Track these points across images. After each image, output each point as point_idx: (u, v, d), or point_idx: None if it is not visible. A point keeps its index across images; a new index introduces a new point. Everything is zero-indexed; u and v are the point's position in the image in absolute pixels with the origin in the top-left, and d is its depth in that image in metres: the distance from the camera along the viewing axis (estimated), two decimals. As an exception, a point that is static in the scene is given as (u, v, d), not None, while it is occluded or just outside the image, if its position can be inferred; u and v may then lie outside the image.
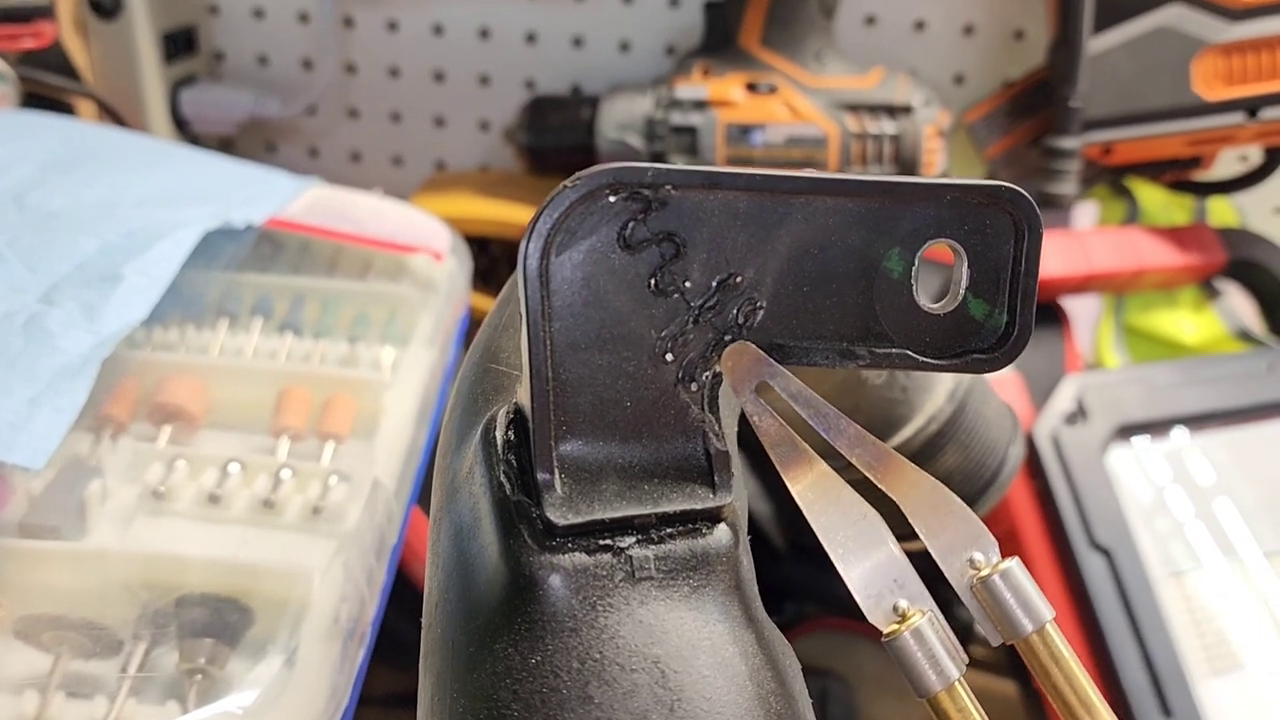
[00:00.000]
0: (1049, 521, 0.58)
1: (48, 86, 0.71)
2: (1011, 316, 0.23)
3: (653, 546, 0.22)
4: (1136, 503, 0.59)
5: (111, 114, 0.75)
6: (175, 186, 0.53)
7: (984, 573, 0.23)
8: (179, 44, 0.82)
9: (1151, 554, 0.57)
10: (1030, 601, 0.23)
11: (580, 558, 0.22)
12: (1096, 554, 0.57)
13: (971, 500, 0.44)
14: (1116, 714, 0.23)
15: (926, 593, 0.23)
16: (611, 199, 0.21)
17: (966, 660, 0.23)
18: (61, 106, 0.73)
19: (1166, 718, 0.53)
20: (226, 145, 0.89)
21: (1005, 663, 0.61)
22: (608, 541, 0.22)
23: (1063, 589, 0.57)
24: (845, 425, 0.23)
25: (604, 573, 0.22)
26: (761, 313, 0.23)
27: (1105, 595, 0.56)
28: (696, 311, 0.23)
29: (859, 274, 0.23)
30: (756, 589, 0.24)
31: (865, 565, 0.23)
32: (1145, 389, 0.62)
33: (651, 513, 0.22)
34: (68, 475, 0.37)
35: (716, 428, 0.23)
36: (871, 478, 0.23)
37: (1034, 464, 0.59)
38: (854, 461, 0.23)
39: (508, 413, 0.24)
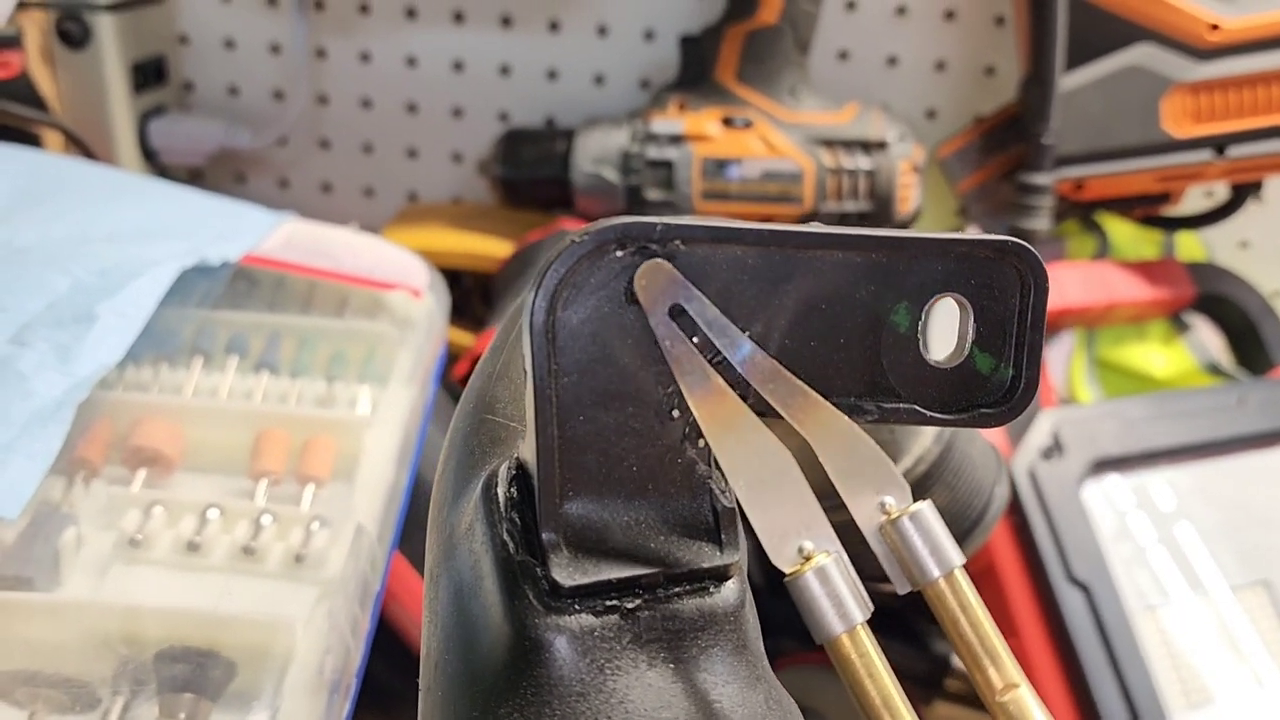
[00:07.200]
0: (1027, 557, 0.58)
1: (14, 117, 0.70)
2: (1018, 370, 0.23)
3: (660, 606, 0.22)
4: (1113, 537, 0.59)
5: (79, 145, 0.74)
6: (147, 221, 0.52)
7: (894, 515, 0.22)
8: (148, 74, 0.81)
9: (1128, 589, 0.58)
10: (940, 546, 0.22)
11: (587, 619, 0.21)
12: (1074, 589, 0.57)
13: (957, 542, 0.43)
14: None
15: (834, 536, 0.22)
16: (619, 253, 0.21)
17: (871, 606, 0.22)
18: (28, 137, 0.72)
19: (1146, 753, 0.53)
20: (196, 176, 0.88)
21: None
22: (614, 602, 0.21)
23: (1041, 624, 0.57)
24: (760, 359, 0.22)
25: (611, 635, 0.21)
26: None
27: (1083, 630, 0.56)
28: None
29: (866, 328, 0.23)
30: (762, 646, 0.24)
31: (772, 503, 0.22)
32: (1119, 423, 0.62)
33: (658, 572, 0.22)
34: (41, 523, 0.36)
35: (723, 484, 0.23)
36: (784, 415, 0.22)
37: (1011, 499, 0.59)
38: (767, 397, 0.22)
39: (509, 468, 0.23)
